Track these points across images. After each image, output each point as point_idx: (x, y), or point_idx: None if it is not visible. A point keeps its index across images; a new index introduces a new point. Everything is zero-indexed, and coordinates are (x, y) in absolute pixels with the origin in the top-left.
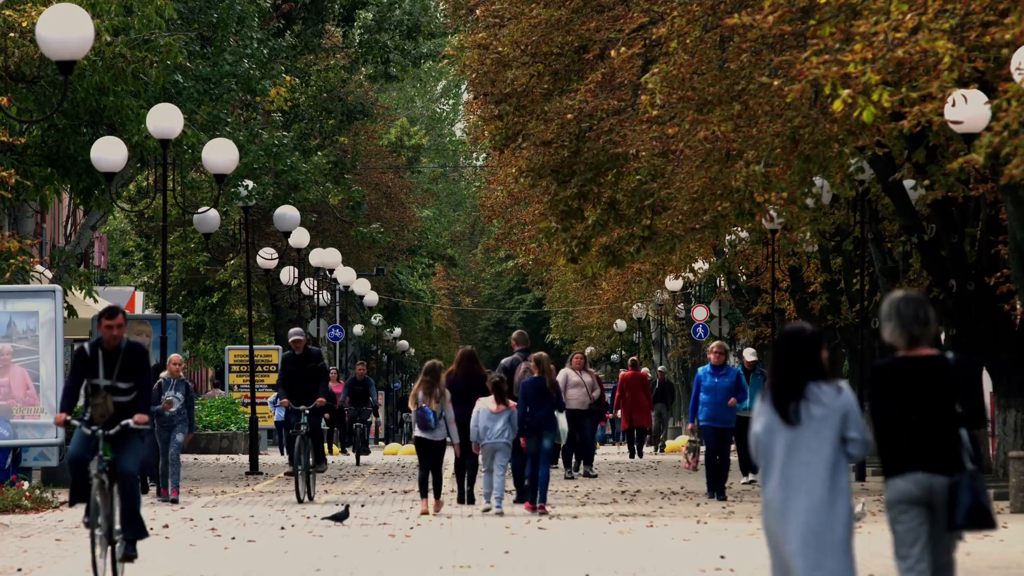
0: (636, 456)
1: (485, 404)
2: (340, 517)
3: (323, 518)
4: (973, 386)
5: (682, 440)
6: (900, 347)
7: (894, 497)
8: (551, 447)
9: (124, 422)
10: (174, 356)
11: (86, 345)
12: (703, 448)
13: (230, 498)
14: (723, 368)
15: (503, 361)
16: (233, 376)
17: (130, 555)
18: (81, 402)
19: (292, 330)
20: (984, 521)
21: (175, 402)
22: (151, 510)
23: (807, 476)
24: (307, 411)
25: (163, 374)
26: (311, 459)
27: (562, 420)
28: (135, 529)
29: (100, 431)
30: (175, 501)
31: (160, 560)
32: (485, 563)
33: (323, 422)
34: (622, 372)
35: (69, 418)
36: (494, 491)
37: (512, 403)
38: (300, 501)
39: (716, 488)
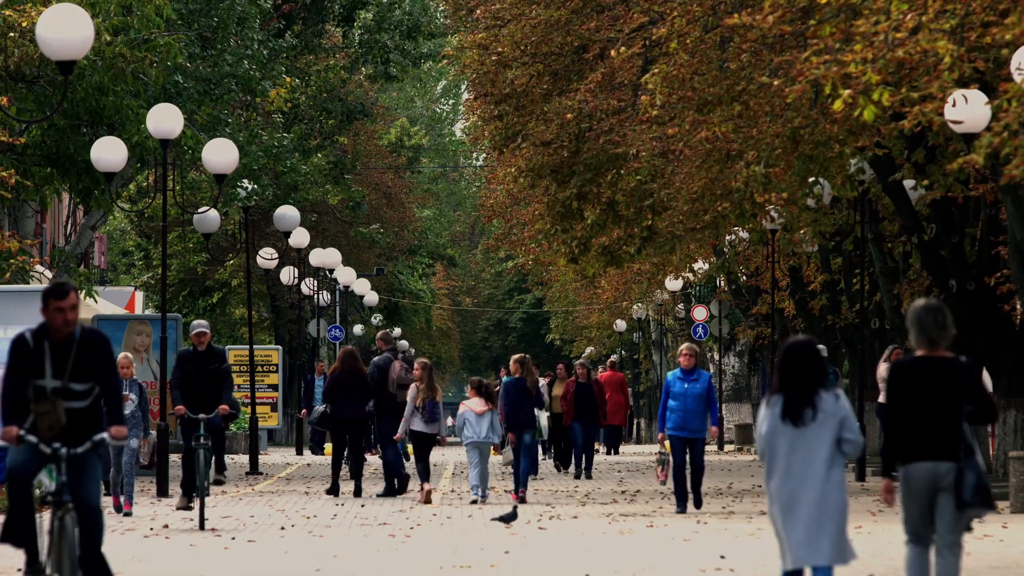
0: (613, 453)
1: (470, 405)
2: (508, 518)
3: (492, 519)
4: (982, 385)
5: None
6: (921, 350)
7: (907, 482)
8: (532, 443)
9: (98, 437)
10: (121, 356)
11: (27, 334)
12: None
13: (230, 498)
14: (694, 372)
15: (376, 360)
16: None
17: None
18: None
19: (196, 322)
20: (987, 499)
21: (129, 403)
22: (150, 510)
23: (808, 473)
24: (205, 419)
25: None
26: (209, 490)
27: (542, 417)
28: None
29: (63, 450)
30: (128, 514)
31: (160, 560)
32: (485, 563)
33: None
34: (600, 372)
35: (23, 432)
36: (479, 485)
37: (492, 404)
38: (203, 528)
39: (692, 499)
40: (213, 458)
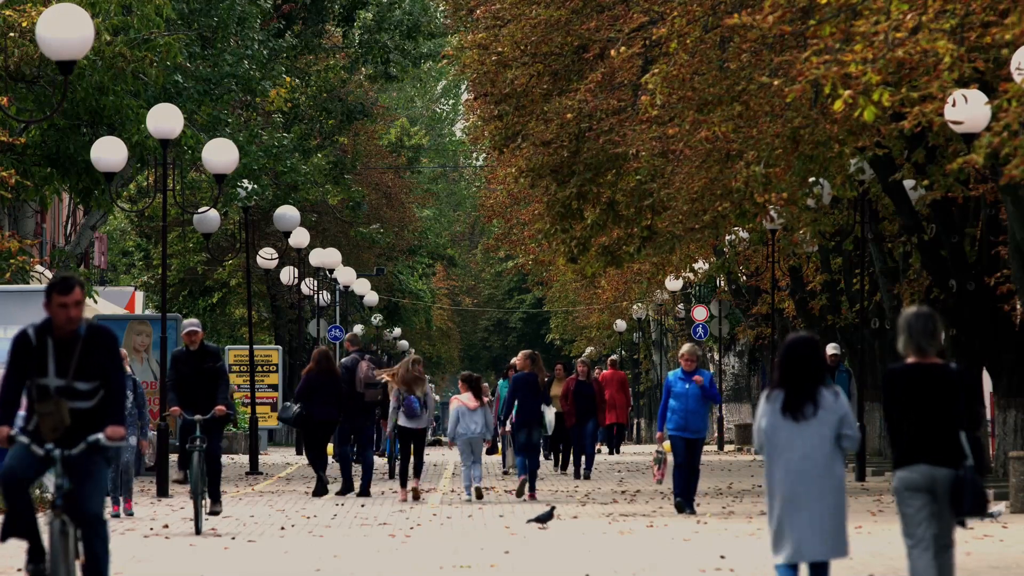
0: (615, 452)
1: (462, 401)
2: (544, 518)
3: (528, 520)
4: (972, 392)
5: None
6: (911, 357)
7: (902, 485)
8: (539, 440)
9: (92, 438)
10: None
11: (30, 329)
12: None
13: (230, 498)
14: (695, 373)
15: (343, 360)
16: (233, 376)
17: None
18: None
19: (186, 321)
20: (983, 508)
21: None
22: (150, 510)
23: (809, 468)
24: (202, 421)
25: None
26: (207, 496)
27: (549, 413)
28: None
29: (57, 452)
30: (130, 514)
31: (160, 560)
32: (485, 563)
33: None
34: (601, 372)
35: (14, 432)
36: (475, 479)
37: (486, 400)
38: (199, 532)
39: (687, 503)
40: (208, 479)
